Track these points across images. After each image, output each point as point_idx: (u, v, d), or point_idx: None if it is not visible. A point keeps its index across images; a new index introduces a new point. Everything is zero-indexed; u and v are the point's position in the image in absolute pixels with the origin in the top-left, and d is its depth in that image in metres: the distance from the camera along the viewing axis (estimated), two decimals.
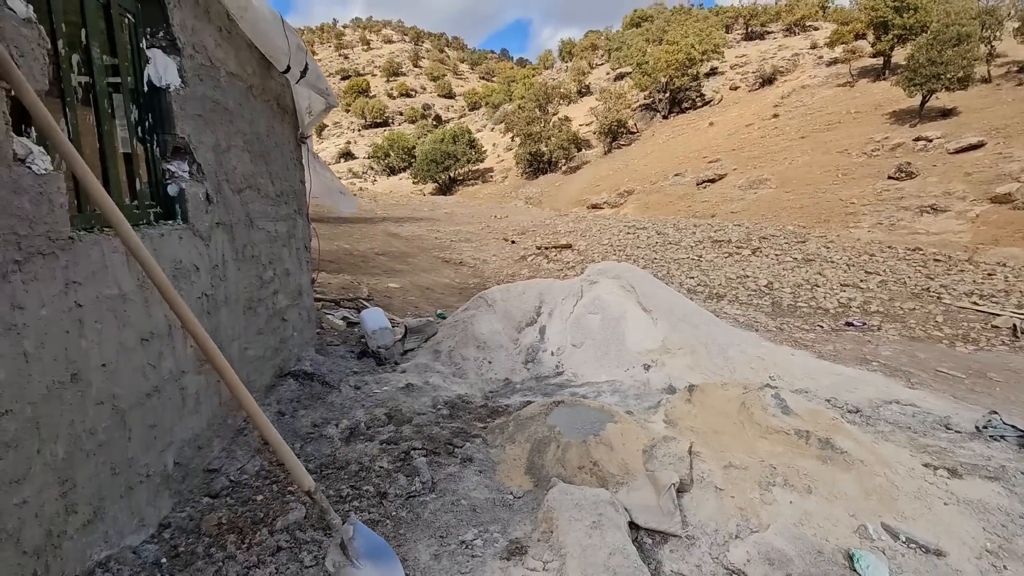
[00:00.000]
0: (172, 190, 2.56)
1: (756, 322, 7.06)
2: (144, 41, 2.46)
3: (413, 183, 36.79)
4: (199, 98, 2.74)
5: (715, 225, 13.88)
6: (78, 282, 1.78)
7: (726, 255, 10.66)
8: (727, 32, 42.86)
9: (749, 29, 44.66)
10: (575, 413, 3.30)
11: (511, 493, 2.68)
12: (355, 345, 5.13)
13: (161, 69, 2.46)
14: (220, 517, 2.25)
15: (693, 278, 9.28)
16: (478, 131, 43.74)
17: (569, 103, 41.42)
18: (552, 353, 4.95)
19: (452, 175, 35.95)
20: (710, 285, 8.88)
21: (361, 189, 28.82)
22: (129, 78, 2.37)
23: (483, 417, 3.65)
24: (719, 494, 2.62)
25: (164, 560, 2.00)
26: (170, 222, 2.52)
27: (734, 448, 2.92)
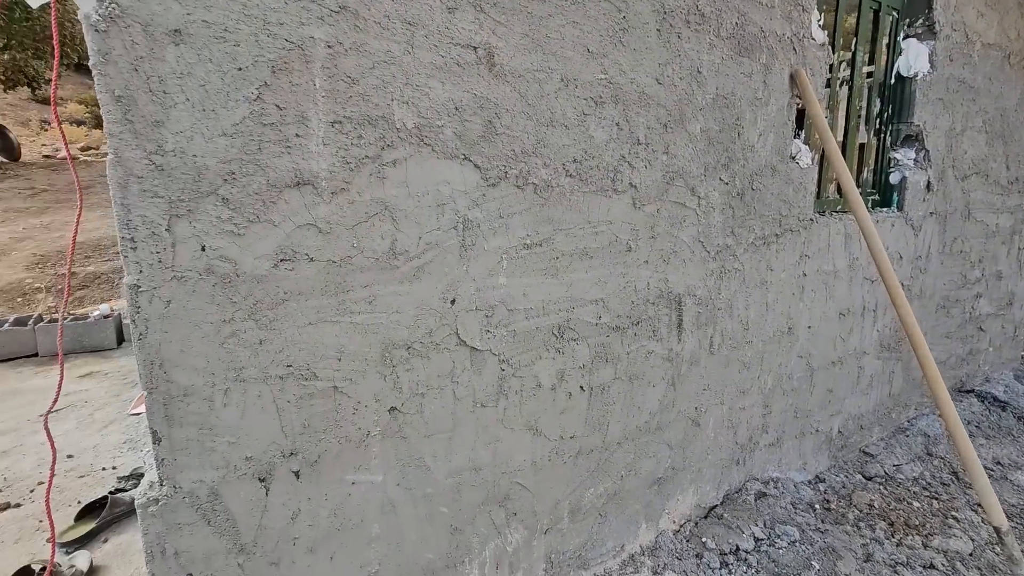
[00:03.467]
0: (894, 178, 2.62)
1: None
2: (901, 34, 2.56)
3: None
4: (944, 80, 2.61)
5: None
6: (807, 256, 2.18)
7: None
8: None
9: None
10: None
11: None
12: None
13: (912, 58, 2.50)
14: (872, 499, 2.30)
15: None
16: None
17: None
18: None
19: None
20: None
21: None
22: (875, 73, 2.55)
23: None
24: None
25: (817, 506, 2.27)
26: (885, 209, 2.61)
27: None
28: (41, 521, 1.93)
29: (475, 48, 1.27)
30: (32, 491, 2.12)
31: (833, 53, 2.20)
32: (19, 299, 4.36)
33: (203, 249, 1.02)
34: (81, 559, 1.69)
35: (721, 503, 2.16)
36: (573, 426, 1.63)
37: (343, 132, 1.13)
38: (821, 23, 2.08)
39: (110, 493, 2.00)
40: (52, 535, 1.09)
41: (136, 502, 1.06)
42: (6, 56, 9.48)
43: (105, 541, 1.83)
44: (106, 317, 3.88)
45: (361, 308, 1.22)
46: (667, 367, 1.82)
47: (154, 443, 1.05)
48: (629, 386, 1.73)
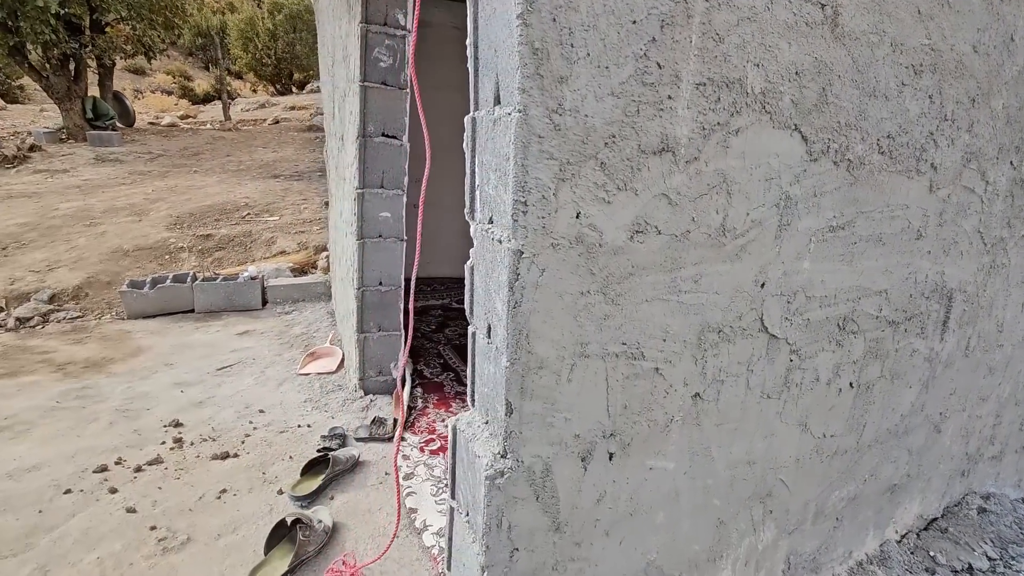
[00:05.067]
0: None
1: None
2: None
3: None
4: None
5: None
6: None
7: None
8: None
9: None
10: None
11: None
12: None
13: None
14: None
15: None
16: None
17: None
18: None
19: None
20: None
21: None
22: None
23: None
24: None
25: None
26: None
27: None
28: (264, 473, 2.02)
29: (823, 5, 1.14)
30: (243, 442, 2.23)
31: None
32: (166, 257, 4.63)
33: (577, 216, 0.97)
34: (324, 514, 1.74)
35: (942, 516, 2.00)
36: (835, 424, 1.52)
37: (704, 95, 1.04)
38: None
39: (327, 451, 2.07)
40: (397, 485, 1.09)
41: (484, 473, 1.04)
42: (126, 27, 10.00)
43: (332, 498, 1.89)
44: (253, 279, 4.05)
45: (688, 287, 1.14)
46: (925, 367, 1.66)
47: (505, 415, 1.02)
48: (890, 385, 1.60)
